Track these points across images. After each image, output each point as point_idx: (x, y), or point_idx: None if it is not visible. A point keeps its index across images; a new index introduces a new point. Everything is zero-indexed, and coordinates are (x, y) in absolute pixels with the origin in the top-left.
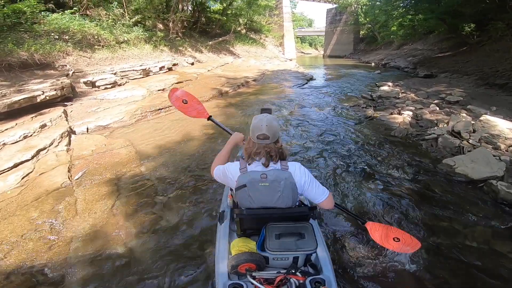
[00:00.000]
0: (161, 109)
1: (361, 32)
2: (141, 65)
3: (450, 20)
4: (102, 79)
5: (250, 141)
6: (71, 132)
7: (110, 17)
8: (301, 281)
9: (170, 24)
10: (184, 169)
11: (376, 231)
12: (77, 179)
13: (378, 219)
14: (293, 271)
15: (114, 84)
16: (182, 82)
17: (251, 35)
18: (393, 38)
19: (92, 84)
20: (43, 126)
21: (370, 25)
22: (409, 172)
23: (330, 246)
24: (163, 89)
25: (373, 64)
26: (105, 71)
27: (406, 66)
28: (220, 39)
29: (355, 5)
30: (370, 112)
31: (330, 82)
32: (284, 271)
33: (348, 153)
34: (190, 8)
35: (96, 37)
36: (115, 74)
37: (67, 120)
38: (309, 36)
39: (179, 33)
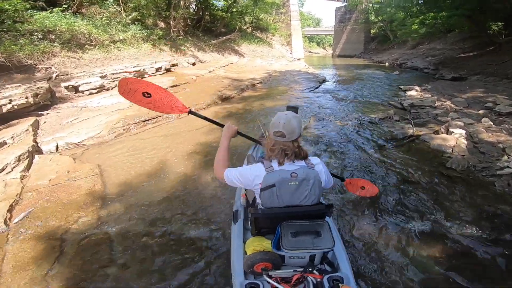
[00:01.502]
0: (148, 120)
1: (372, 31)
2: (135, 66)
3: (477, 17)
4: (86, 83)
5: (269, 138)
6: (35, 151)
7: (105, 14)
8: (318, 279)
9: (171, 22)
10: (159, 221)
11: (350, 184)
12: (17, 222)
13: None
14: (310, 269)
15: (100, 89)
16: (178, 85)
17: (257, 34)
18: (413, 37)
19: (75, 89)
20: (1, 145)
21: (382, 24)
22: (489, 231)
23: (347, 243)
24: None
25: (387, 64)
26: (94, 74)
27: (426, 67)
28: (225, 38)
29: (366, 3)
30: (410, 129)
31: (346, 85)
32: (301, 269)
33: (394, 199)
34: (193, 6)
35: (87, 36)
36: (104, 76)
37: (35, 135)
38: (317, 36)
39: (181, 32)
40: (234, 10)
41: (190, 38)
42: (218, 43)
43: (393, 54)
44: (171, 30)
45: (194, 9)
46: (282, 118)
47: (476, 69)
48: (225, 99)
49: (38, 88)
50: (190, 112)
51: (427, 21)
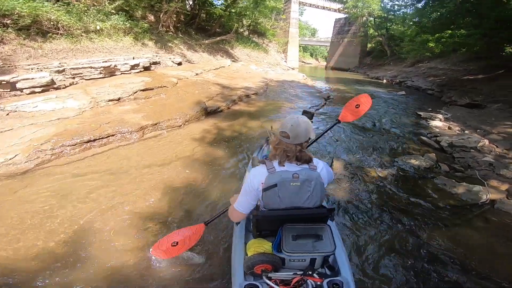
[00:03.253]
0: (93, 140)
1: (369, 45)
2: (105, 61)
3: (494, 37)
4: (27, 79)
5: (276, 136)
6: None
7: (85, 1)
8: (318, 283)
9: (161, 15)
10: None
11: (345, 116)
12: None
13: None
14: (310, 272)
15: (48, 87)
16: (152, 89)
17: (254, 38)
18: (427, 55)
19: (11, 86)
20: None
21: (380, 39)
22: None
23: (348, 248)
24: (117, 99)
25: (384, 81)
26: (49, 67)
27: (429, 88)
28: (219, 38)
29: (367, 16)
30: (481, 191)
31: None
32: (301, 272)
33: None
34: (190, 1)
35: (54, 23)
36: (62, 71)
37: None
38: (311, 46)
39: (171, 27)
40: (233, 10)
41: (180, 35)
42: (211, 43)
43: (390, 71)
44: (160, 25)
45: (191, 5)
46: (292, 120)
47: (492, 96)
48: (210, 113)
49: None
50: (207, 224)
51: (443, 39)
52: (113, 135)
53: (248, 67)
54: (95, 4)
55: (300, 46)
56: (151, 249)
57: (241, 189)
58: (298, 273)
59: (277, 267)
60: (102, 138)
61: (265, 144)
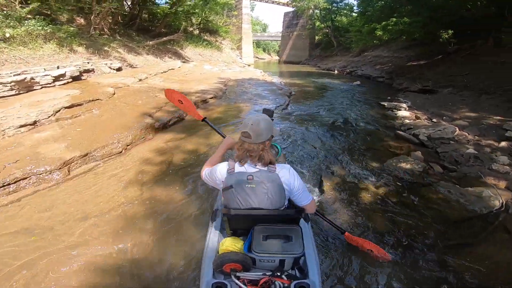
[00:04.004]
0: None
1: (317, 37)
2: (18, 74)
3: (433, 25)
4: None
5: (239, 138)
6: None
7: None
8: (286, 285)
9: (92, 17)
10: None
11: (353, 240)
12: None
13: None
14: (279, 274)
15: None
16: (82, 104)
17: (206, 37)
18: (376, 43)
19: None
20: None
21: (327, 30)
22: None
23: (321, 250)
24: (32, 124)
25: (336, 71)
26: None
27: (379, 76)
28: (166, 38)
29: (313, 9)
30: (496, 199)
31: (317, 101)
32: (270, 273)
33: None
34: (127, 1)
35: None
36: None
37: None
38: (263, 41)
39: (106, 30)
40: (180, 9)
41: (119, 38)
42: (157, 44)
43: (339, 62)
44: (92, 28)
45: (129, 5)
46: (251, 119)
47: (440, 81)
48: (160, 129)
49: None
50: (204, 119)
51: (389, 27)
52: (24, 179)
53: (202, 67)
54: (3, 8)
55: (253, 42)
56: (166, 89)
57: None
58: (267, 273)
59: (246, 266)
60: (9, 184)
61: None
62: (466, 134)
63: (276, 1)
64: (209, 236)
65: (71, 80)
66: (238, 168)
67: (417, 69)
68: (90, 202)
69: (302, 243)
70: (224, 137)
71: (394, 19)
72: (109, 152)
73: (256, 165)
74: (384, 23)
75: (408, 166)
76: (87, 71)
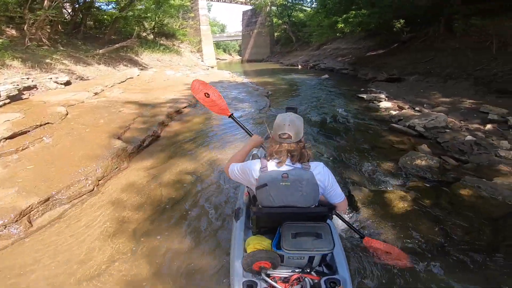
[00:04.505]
0: None
1: (276, 34)
2: None
3: (387, 15)
4: None
5: (273, 140)
6: None
7: None
8: (316, 281)
9: (26, 27)
10: None
11: (371, 246)
12: None
13: None
14: (308, 270)
15: None
16: (28, 131)
17: (162, 41)
18: (339, 36)
19: None
20: None
21: (285, 26)
22: None
23: (346, 246)
24: None
25: (299, 67)
26: None
27: (342, 68)
28: (118, 45)
29: (270, 6)
30: None
31: (294, 98)
32: (299, 270)
33: None
34: (67, 9)
35: None
36: None
37: None
38: (223, 42)
39: (45, 40)
40: (130, 13)
41: (62, 48)
42: (108, 52)
43: (300, 56)
44: (27, 39)
45: (70, 13)
46: (286, 119)
47: (404, 69)
48: (134, 153)
49: None
50: (231, 116)
51: (350, 19)
52: None
53: (164, 74)
54: None
55: (213, 43)
56: (195, 79)
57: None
58: (296, 270)
59: (275, 264)
60: None
61: (265, 142)
62: (453, 120)
63: (234, 0)
64: (234, 235)
65: (8, 101)
66: (271, 166)
67: (377, 58)
68: (72, 260)
69: (332, 240)
70: (251, 135)
71: (354, 11)
72: (77, 192)
73: (293, 163)
74: (344, 15)
75: (424, 162)
76: (28, 88)
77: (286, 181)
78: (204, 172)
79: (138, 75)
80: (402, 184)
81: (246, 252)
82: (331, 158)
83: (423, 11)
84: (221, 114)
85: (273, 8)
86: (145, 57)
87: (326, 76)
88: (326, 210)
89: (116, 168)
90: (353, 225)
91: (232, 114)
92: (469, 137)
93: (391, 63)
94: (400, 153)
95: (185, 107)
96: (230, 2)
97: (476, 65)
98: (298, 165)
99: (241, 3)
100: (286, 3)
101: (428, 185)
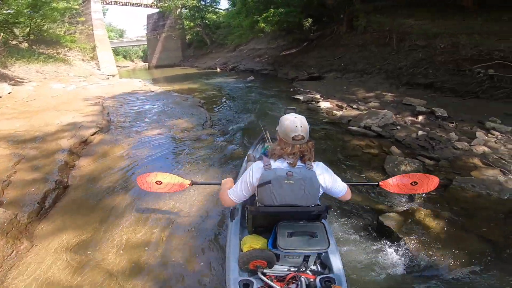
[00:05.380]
0: None
1: (188, 37)
2: None
3: (298, 15)
4: None
5: (282, 142)
6: None
7: None
8: (311, 280)
9: None
10: None
11: (391, 185)
12: None
13: None
14: (304, 269)
15: None
16: None
17: (41, 49)
18: (259, 36)
19: None
20: None
21: (198, 29)
22: None
23: (341, 245)
24: None
25: (218, 69)
26: None
27: (263, 68)
28: None
29: (180, 8)
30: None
31: (231, 107)
32: (295, 269)
33: None
34: None
35: None
36: None
37: None
38: (122, 48)
39: None
40: None
41: None
42: None
43: (217, 59)
44: None
45: None
46: (296, 121)
47: (321, 67)
48: (33, 222)
49: None
50: (193, 184)
51: (270, 18)
52: None
53: (49, 88)
54: None
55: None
56: (137, 177)
57: (238, 178)
58: (292, 269)
59: (271, 263)
60: None
61: (261, 142)
62: (394, 115)
63: (137, 3)
64: (230, 235)
65: None
66: (274, 164)
67: (294, 57)
68: None
69: (327, 238)
70: (220, 184)
71: (272, 10)
72: None
73: (300, 161)
74: (264, 14)
75: (408, 167)
76: None
77: (291, 180)
78: (163, 238)
79: (9, 92)
80: (410, 199)
81: (242, 251)
82: None
83: (329, 10)
84: (183, 189)
85: (184, 10)
86: (19, 69)
87: (252, 78)
88: (322, 209)
89: (11, 253)
90: (363, 182)
91: (192, 181)
92: (420, 132)
93: (307, 62)
94: (375, 159)
95: (94, 134)
96: (133, 5)
97: (383, 60)
98: (301, 164)
99: (145, 6)
100: (199, 5)
101: (433, 193)
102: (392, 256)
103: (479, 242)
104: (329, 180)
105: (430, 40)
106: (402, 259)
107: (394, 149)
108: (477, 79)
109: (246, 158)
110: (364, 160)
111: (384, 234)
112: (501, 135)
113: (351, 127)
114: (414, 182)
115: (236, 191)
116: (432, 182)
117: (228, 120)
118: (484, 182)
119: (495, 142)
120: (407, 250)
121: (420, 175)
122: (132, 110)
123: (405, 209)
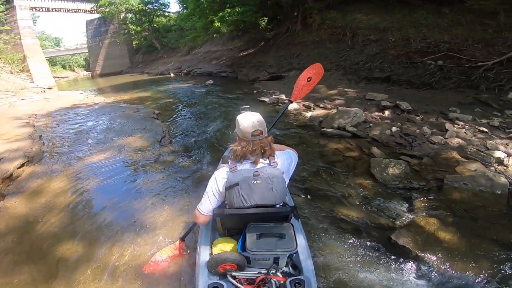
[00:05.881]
0: None
1: (135, 42)
2: None
3: (254, 14)
4: None
5: (242, 141)
6: None
7: None
8: (281, 282)
9: None
10: None
11: (298, 94)
12: None
13: None
14: (274, 271)
15: None
16: None
17: None
18: (216, 37)
19: None
20: None
21: (146, 33)
22: None
23: (312, 247)
24: None
25: (172, 75)
26: None
27: (221, 71)
28: None
29: (125, 12)
30: (501, 177)
31: (191, 115)
32: (265, 271)
33: None
34: None
35: None
36: None
37: None
38: (60, 57)
39: None
40: None
41: None
42: None
43: (169, 64)
44: None
45: None
46: (252, 118)
47: (281, 66)
48: None
49: None
50: (183, 239)
51: (226, 18)
52: None
53: None
54: None
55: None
56: (144, 267)
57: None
58: (262, 272)
59: (241, 266)
60: None
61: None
62: (364, 112)
63: (73, 9)
64: (200, 237)
65: None
66: (240, 166)
67: (252, 58)
68: None
69: (295, 239)
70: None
71: (229, 10)
72: None
73: (264, 160)
74: (220, 14)
75: (396, 170)
76: None
77: (258, 179)
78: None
79: None
80: (410, 207)
81: (212, 254)
82: (308, 196)
83: (283, 8)
84: (181, 251)
85: (129, 15)
86: None
87: (211, 81)
88: (288, 209)
89: None
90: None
91: (179, 237)
92: (394, 128)
93: (266, 61)
94: (359, 162)
95: (20, 166)
96: (68, 11)
97: (339, 56)
98: (267, 161)
99: (84, 11)
100: (146, 9)
101: (431, 197)
102: (415, 276)
103: (493, 246)
104: (288, 167)
105: (381, 34)
106: (427, 278)
107: (374, 150)
108: (429, 70)
109: (221, 160)
110: (348, 165)
111: (401, 253)
112: (466, 125)
113: (325, 129)
114: (309, 78)
115: (204, 205)
116: (318, 69)
117: (190, 132)
118: (474, 179)
119: (465, 133)
120: (431, 268)
121: (307, 70)
122: (72, 129)
123: (410, 219)
